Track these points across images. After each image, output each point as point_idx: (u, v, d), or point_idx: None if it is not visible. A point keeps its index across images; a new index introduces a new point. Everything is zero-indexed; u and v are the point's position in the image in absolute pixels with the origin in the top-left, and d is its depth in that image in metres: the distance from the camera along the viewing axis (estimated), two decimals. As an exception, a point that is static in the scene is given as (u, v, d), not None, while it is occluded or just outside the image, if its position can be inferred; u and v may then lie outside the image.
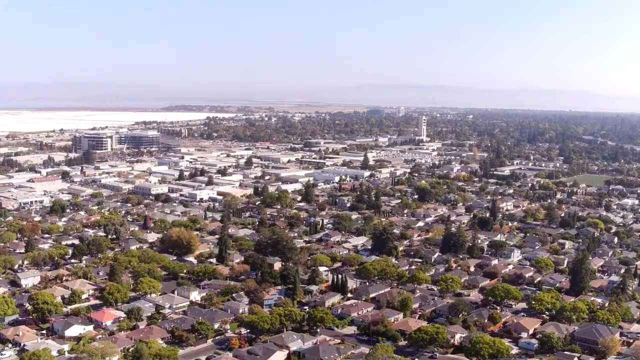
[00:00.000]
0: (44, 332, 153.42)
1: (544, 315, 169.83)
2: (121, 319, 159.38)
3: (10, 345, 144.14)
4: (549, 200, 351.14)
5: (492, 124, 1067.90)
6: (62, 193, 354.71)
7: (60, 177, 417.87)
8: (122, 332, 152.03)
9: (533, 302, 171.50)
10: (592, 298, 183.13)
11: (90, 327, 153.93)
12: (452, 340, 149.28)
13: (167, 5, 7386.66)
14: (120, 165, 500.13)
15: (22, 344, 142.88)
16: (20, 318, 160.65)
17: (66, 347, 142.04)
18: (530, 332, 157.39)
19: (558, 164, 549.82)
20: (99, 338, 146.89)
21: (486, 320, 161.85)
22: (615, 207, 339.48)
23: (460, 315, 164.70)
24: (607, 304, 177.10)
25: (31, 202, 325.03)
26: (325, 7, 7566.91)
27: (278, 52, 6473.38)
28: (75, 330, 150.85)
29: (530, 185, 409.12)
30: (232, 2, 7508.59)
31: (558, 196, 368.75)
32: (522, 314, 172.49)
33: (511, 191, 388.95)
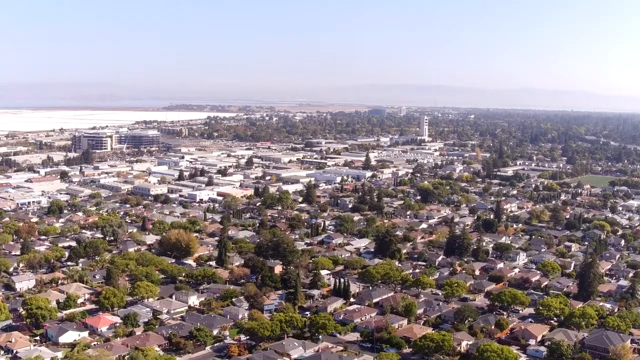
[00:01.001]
0: (38, 338, 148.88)
1: (552, 321, 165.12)
2: (117, 324, 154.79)
3: (2, 352, 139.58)
4: (554, 202, 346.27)
5: (494, 124, 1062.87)
6: (60, 193, 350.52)
7: (58, 177, 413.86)
8: (118, 338, 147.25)
9: (541, 308, 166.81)
10: (601, 303, 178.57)
11: (85, 334, 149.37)
12: (459, 348, 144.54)
13: (167, 5, 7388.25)
14: (120, 165, 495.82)
15: (14, 351, 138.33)
16: (13, 323, 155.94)
17: (60, 354, 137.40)
18: (539, 339, 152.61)
19: (561, 165, 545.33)
20: (94, 345, 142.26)
21: (493, 327, 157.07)
22: (620, 208, 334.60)
23: (466, 321, 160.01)
24: (616, 310, 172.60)
25: (29, 203, 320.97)
26: (326, 7, 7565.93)
27: (278, 52, 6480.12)
28: (69, 336, 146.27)
29: (534, 186, 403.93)
30: (233, 2, 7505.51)
31: (562, 197, 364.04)
32: (529, 319, 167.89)
33: (515, 192, 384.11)
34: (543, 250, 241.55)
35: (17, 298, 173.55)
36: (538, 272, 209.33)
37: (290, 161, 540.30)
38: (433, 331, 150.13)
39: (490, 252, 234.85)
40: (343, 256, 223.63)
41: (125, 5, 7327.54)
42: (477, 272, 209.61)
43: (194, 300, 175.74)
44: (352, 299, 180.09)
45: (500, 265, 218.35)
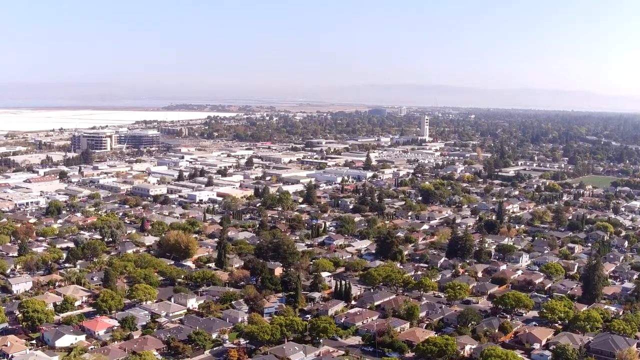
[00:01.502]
0: (34, 342, 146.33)
1: (557, 325, 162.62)
2: (115, 328, 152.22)
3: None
4: (556, 202, 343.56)
5: (495, 124, 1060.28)
6: (59, 194, 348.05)
7: (57, 177, 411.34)
8: (115, 342, 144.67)
9: (545, 311, 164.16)
10: (606, 306, 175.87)
11: (83, 337, 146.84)
12: (462, 352, 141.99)
13: (167, 5, 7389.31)
14: (119, 165, 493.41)
15: (10, 355, 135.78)
16: (9, 327, 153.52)
17: (56, 358, 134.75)
18: (543, 342, 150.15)
19: (563, 165, 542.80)
20: (91, 349, 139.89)
21: (497, 330, 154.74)
22: (623, 209, 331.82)
23: (470, 324, 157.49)
24: (621, 313, 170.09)
25: (27, 204, 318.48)
26: (326, 7, 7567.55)
27: (278, 52, 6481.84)
28: (66, 340, 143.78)
29: (535, 186, 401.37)
30: (233, 2, 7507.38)
31: (564, 198, 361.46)
32: (533, 323, 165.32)
33: (517, 193, 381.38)
34: (546, 251, 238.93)
35: (13, 301, 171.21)
36: (541, 274, 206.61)
37: (290, 161, 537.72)
38: (436, 335, 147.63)
39: (493, 253, 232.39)
40: (344, 258, 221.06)
41: (125, 5, 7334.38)
42: (479, 274, 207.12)
43: (193, 302, 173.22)
44: (353, 302, 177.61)
45: (503, 267, 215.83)
